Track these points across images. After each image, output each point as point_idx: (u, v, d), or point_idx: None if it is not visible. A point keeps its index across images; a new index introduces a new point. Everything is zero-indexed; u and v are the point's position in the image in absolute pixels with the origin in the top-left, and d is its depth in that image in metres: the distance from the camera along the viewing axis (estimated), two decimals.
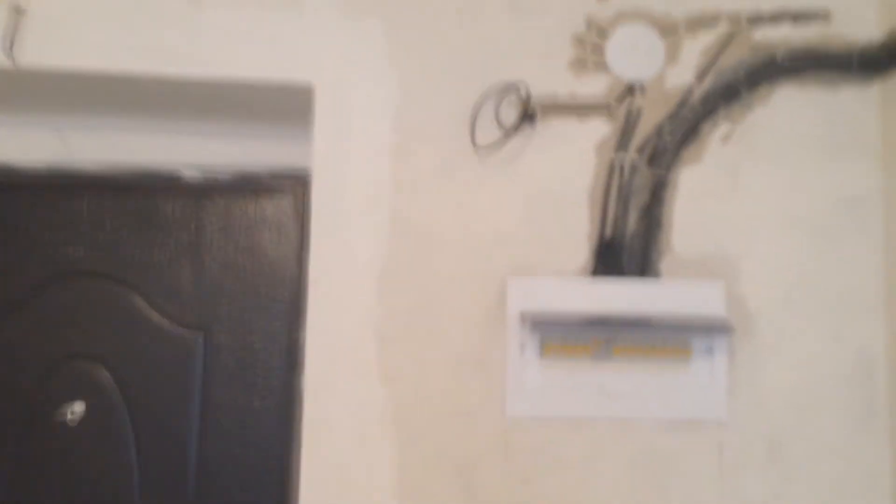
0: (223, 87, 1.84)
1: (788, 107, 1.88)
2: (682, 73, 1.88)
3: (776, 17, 1.89)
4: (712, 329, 1.78)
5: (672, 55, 1.88)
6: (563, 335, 1.79)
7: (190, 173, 2.12)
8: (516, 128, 1.80)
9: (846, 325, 1.84)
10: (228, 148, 2.12)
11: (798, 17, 1.90)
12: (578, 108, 1.85)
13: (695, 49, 1.88)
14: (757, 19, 1.89)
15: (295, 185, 2.15)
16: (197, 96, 1.91)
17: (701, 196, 1.85)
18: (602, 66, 1.86)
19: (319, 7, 1.82)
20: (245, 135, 2.12)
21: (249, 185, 2.16)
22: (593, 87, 1.86)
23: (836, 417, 1.82)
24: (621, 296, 1.81)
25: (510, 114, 1.83)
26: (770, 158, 1.87)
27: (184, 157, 2.12)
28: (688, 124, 1.86)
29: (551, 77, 1.85)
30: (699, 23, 1.89)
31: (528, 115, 1.80)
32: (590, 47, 1.87)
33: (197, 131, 2.10)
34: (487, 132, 1.82)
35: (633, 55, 1.87)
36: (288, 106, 1.90)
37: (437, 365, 1.77)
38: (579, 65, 1.86)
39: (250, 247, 2.15)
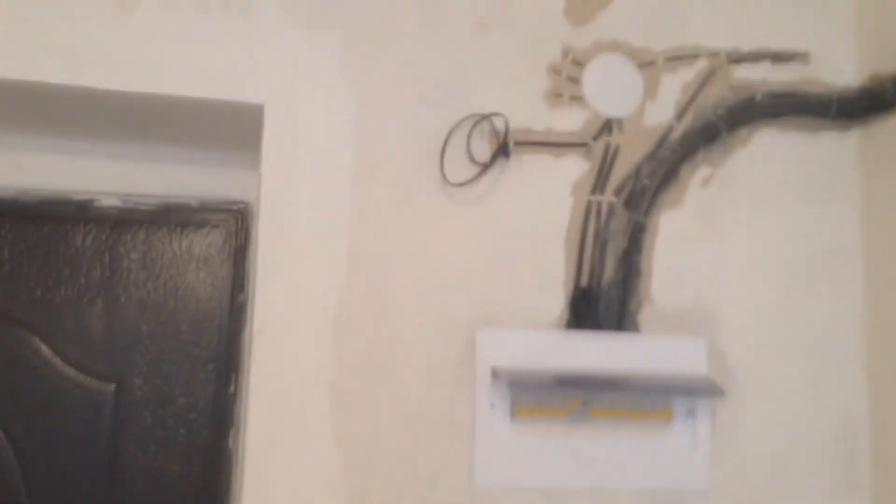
0: (152, 103, 1.60)
1: (768, 150, 1.78)
2: (662, 110, 1.75)
3: (756, 57, 1.80)
4: (698, 391, 1.64)
5: (651, 91, 1.75)
6: (537, 395, 1.61)
7: (107, 201, 1.86)
8: (491, 163, 1.63)
9: (828, 383, 1.73)
10: (154, 174, 1.87)
11: (777, 58, 1.81)
12: (554, 144, 1.70)
13: (674, 85, 1.77)
14: (737, 57, 1.79)
15: (229, 219, 1.91)
16: (120, 113, 1.67)
17: (681, 242, 1.72)
18: (579, 99, 1.72)
19: (270, 16, 1.62)
20: (176, 160, 1.87)
21: (176, 216, 1.90)
22: (570, 121, 1.71)
23: (818, 483, 1.70)
24: (599, 352, 1.65)
25: (482, 146, 1.66)
26: (750, 204, 1.76)
27: (101, 182, 1.85)
28: (667, 165, 1.73)
29: (525, 108, 1.69)
30: (679, 58, 1.77)
31: (504, 150, 1.64)
32: (566, 78, 1.72)
33: (118, 154, 1.84)
34: (457, 164, 1.64)
35: (611, 89, 1.74)
36: (230, 127, 1.67)
37: (396, 424, 1.56)
38: (555, 96, 1.71)
39: (174, 286, 1.89)
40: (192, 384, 1.86)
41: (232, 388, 1.85)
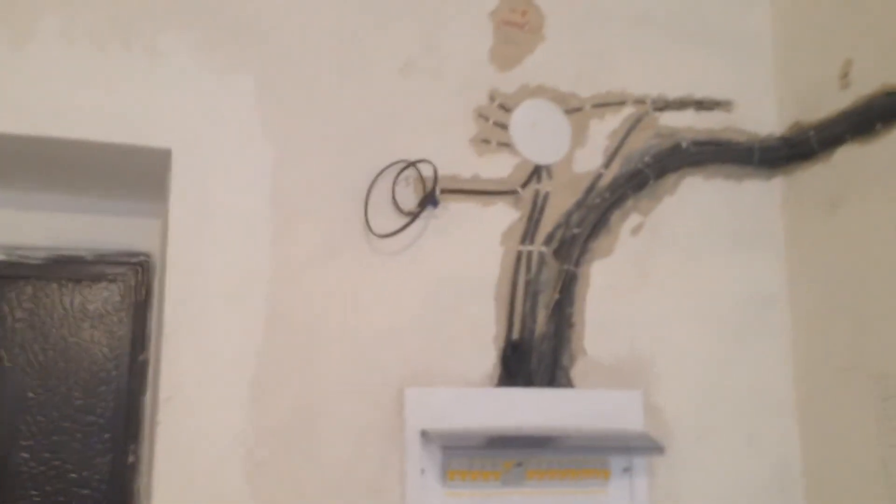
0: (42, 146, 1.44)
1: (695, 198, 1.76)
2: (590, 156, 1.71)
3: (681, 104, 1.79)
4: (636, 447, 1.57)
5: (579, 137, 1.71)
6: (470, 457, 1.51)
7: None
8: (418, 212, 1.54)
9: (763, 432, 1.70)
10: (44, 223, 1.70)
11: (701, 106, 1.80)
12: (483, 192, 1.62)
13: (602, 131, 1.73)
14: (662, 105, 1.77)
15: (128, 272, 1.75)
16: (6, 157, 1.50)
17: (613, 292, 1.67)
18: (507, 145, 1.66)
19: (177, 56, 1.49)
20: (68, 208, 1.71)
21: (68, 270, 1.73)
22: (498, 168, 1.64)
23: None
24: (532, 409, 1.56)
25: (408, 194, 1.57)
26: (680, 252, 1.73)
27: None
28: (597, 213, 1.68)
29: (452, 155, 1.62)
30: (606, 104, 1.74)
31: (431, 198, 1.55)
32: (493, 123, 1.66)
33: (3, 202, 1.66)
34: (382, 214, 1.54)
35: (540, 135, 1.68)
36: (130, 174, 1.54)
37: (320, 495, 1.43)
38: (482, 142, 1.64)
39: (65, 346, 1.72)
40: (85, 456, 1.68)
41: (131, 459, 1.68)
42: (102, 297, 1.76)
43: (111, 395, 1.72)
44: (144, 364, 1.72)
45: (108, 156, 1.49)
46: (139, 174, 1.56)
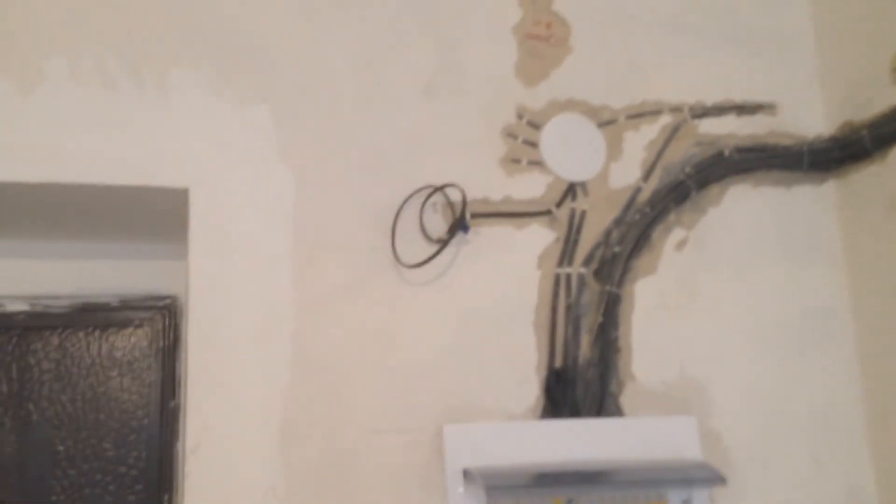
0: (60, 193, 1.40)
1: (742, 208, 1.66)
2: (627, 170, 1.62)
3: (720, 110, 1.69)
4: (695, 479, 1.46)
5: (614, 150, 1.62)
6: (517, 496, 1.41)
7: (12, 306, 1.63)
8: (448, 239, 1.46)
9: (831, 456, 1.58)
10: (67, 271, 1.66)
11: (743, 110, 1.70)
12: (515, 214, 1.54)
13: (638, 143, 1.64)
14: (701, 111, 1.68)
15: (155, 316, 1.70)
16: (23, 206, 1.46)
17: (659, 313, 1.57)
18: (538, 163, 1.58)
19: (190, 90, 1.44)
20: (91, 254, 1.66)
21: (93, 317, 1.68)
22: (530, 188, 1.56)
23: None
24: (581, 441, 1.47)
25: (436, 220, 1.50)
26: (728, 266, 1.63)
27: (5, 285, 1.62)
28: (638, 230, 1.59)
29: (481, 176, 1.54)
30: (640, 114, 1.65)
31: (461, 224, 1.47)
32: (522, 141, 1.58)
33: (24, 251, 1.63)
34: (410, 242, 1.47)
35: (572, 151, 1.60)
36: (151, 215, 1.49)
37: None
38: (512, 162, 1.57)
39: (94, 396, 1.66)
40: None
41: None
42: (130, 343, 1.71)
43: (143, 444, 1.66)
44: (175, 410, 1.66)
45: (125, 199, 1.44)
46: (159, 215, 1.52)
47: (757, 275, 1.64)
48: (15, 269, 1.64)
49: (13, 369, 1.64)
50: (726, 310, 1.60)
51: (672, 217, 1.62)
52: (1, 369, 1.63)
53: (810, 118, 1.73)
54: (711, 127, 1.68)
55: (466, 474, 1.40)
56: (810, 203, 1.69)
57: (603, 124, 1.63)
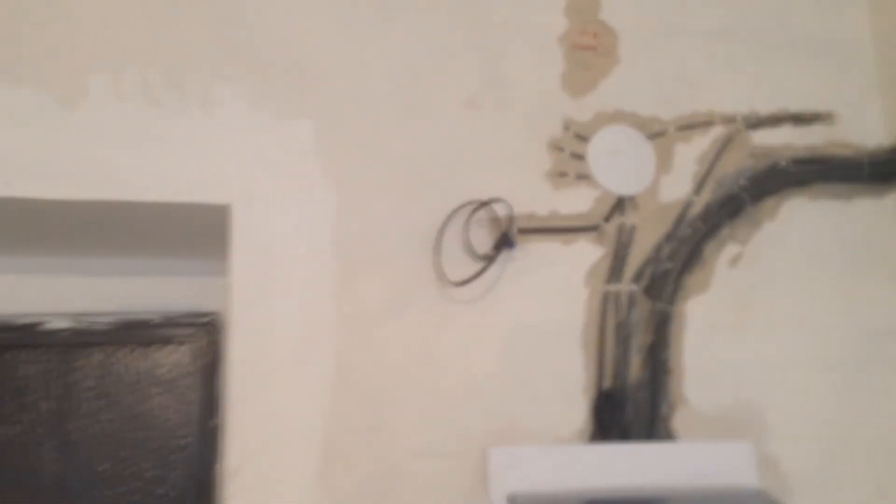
0: (103, 211, 1.39)
1: (799, 222, 1.60)
2: (678, 183, 1.57)
3: (775, 120, 1.63)
4: None
5: (664, 163, 1.57)
6: None
7: (57, 323, 1.63)
8: (494, 255, 1.42)
9: (894, 480, 1.50)
10: (110, 288, 1.65)
11: (799, 120, 1.64)
12: (562, 230, 1.50)
13: (689, 156, 1.58)
14: (755, 122, 1.62)
15: (197, 333, 1.69)
16: (67, 224, 1.46)
17: (713, 332, 1.51)
18: (585, 177, 1.53)
19: (233, 106, 1.42)
20: (133, 271, 1.66)
21: (136, 334, 1.68)
22: (577, 202, 1.52)
23: None
24: (631, 466, 1.41)
25: (482, 236, 1.46)
26: (785, 284, 1.56)
27: (49, 302, 1.62)
28: (689, 245, 1.53)
29: (527, 191, 1.50)
30: (691, 126, 1.60)
31: (507, 240, 1.43)
32: (569, 154, 1.54)
33: (68, 269, 1.62)
34: (455, 259, 1.43)
35: (621, 164, 1.55)
36: (193, 232, 1.47)
37: None
38: (559, 175, 1.52)
39: (135, 415, 1.65)
40: None
41: None
42: (172, 360, 1.70)
43: (182, 464, 1.65)
44: (216, 430, 1.64)
45: (167, 215, 1.43)
46: (201, 231, 1.50)
47: (815, 292, 1.57)
48: (58, 286, 1.64)
49: (57, 387, 1.64)
50: (783, 329, 1.54)
51: (725, 232, 1.56)
52: (43, 387, 1.63)
53: (869, 128, 1.66)
54: (766, 138, 1.62)
55: (511, 499, 1.35)
56: (871, 216, 1.62)
57: (652, 136, 1.58)
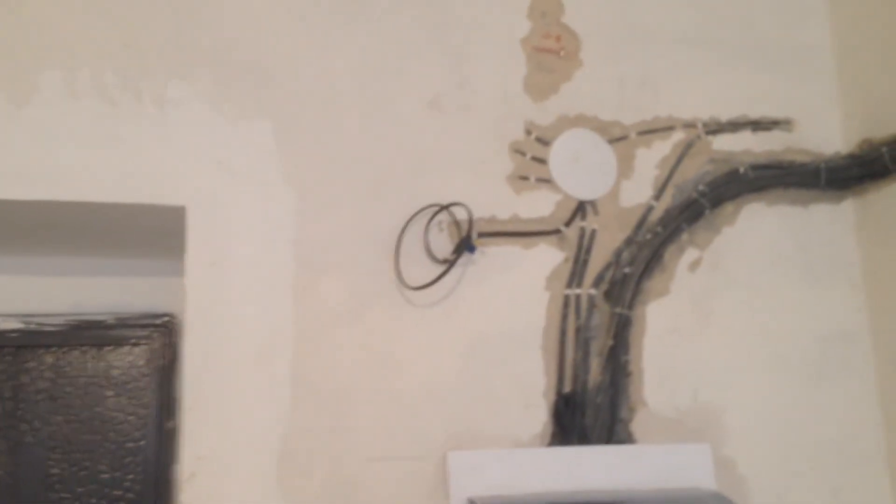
0: (53, 211, 1.36)
1: (758, 227, 1.61)
2: (639, 188, 1.57)
3: (735, 126, 1.64)
4: None
5: (625, 168, 1.57)
6: None
7: (5, 324, 1.59)
8: (454, 259, 1.41)
9: (849, 486, 1.52)
10: (62, 289, 1.61)
11: (758, 126, 1.65)
12: (523, 234, 1.49)
13: (650, 160, 1.59)
14: (715, 128, 1.63)
15: (153, 334, 1.66)
16: (16, 222, 1.42)
17: (672, 336, 1.52)
18: (546, 181, 1.53)
19: (188, 104, 1.40)
20: (86, 271, 1.62)
21: (89, 336, 1.64)
22: (538, 206, 1.52)
23: None
24: (591, 469, 1.42)
25: (442, 240, 1.45)
26: (743, 288, 1.58)
27: None
28: (649, 250, 1.54)
29: (488, 194, 1.49)
30: (652, 131, 1.60)
31: (467, 244, 1.42)
32: (531, 158, 1.53)
33: (17, 269, 1.58)
34: (415, 263, 1.42)
35: (582, 168, 1.55)
36: (148, 233, 1.45)
37: None
38: (520, 179, 1.52)
39: (89, 417, 1.62)
40: None
41: None
42: (126, 361, 1.66)
43: (139, 466, 1.62)
44: (173, 432, 1.62)
45: (120, 216, 1.40)
46: (157, 232, 1.47)
47: (773, 297, 1.59)
48: (8, 286, 1.60)
49: (6, 389, 1.60)
50: (741, 333, 1.55)
51: (685, 237, 1.57)
52: None
53: (828, 135, 1.68)
54: (726, 143, 1.63)
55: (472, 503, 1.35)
56: (828, 222, 1.64)
57: (614, 141, 1.58)
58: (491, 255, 1.47)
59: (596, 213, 1.54)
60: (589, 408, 1.46)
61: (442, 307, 1.43)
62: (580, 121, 1.57)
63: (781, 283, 1.59)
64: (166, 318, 1.67)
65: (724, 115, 1.64)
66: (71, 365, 1.64)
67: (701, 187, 1.59)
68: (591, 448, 1.44)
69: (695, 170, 1.60)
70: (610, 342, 1.49)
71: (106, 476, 1.60)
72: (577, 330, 1.48)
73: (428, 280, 1.40)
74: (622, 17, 1.64)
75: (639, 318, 1.52)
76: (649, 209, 1.56)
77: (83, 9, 1.39)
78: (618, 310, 1.50)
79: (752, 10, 1.72)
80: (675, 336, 1.52)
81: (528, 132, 1.54)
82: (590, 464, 1.43)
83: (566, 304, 1.49)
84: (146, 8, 1.41)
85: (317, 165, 1.44)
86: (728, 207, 1.61)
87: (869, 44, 1.65)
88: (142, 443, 1.63)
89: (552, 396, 1.45)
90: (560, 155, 1.55)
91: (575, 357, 1.47)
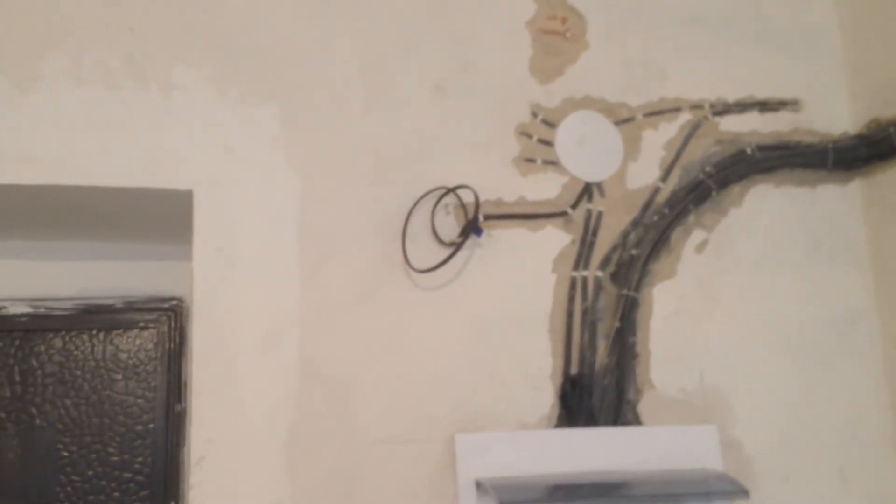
0: (62, 194, 1.36)
1: (765, 208, 1.61)
2: (645, 169, 1.57)
3: (742, 107, 1.64)
4: (715, 491, 1.41)
5: (632, 149, 1.57)
6: None
7: (14, 308, 1.59)
8: (461, 242, 1.41)
9: (856, 466, 1.53)
10: (70, 273, 1.62)
11: (766, 107, 1.65)
12: (530, 216, 1.49)
13: (656, 142, 1.59)
14: (722, 109, 1.62)
15: (160, 318, 1.66)
16: (24, 207, 1.42)
17: (678, 318, 1.52)
18: (553, 163, 1.53)
19: (194, 89, 1.40)
20: (94, 255, 1.62)
21: (97, 320, 1.65)
22: (545, 188, 1.51)
23: None
24: (597, 451, 1.42)
25: (448, 223, 1.45)
26: (750, 269, 1.58)
27: (6, 287, 1.59)
28: (656, 231, 1.54)
29: (495, 177, 1.49)
30: (659, 112, 1.60)
31: (473, 226, 1.42)
32: (537, 140, 1.53)
33: (26, 253, 1.59)
34: (421, 246, 1.42)
35: (588, 150, 1.55)
36: (155, 217, 1.45)
37: None
38: (526, 162, 1.52)
39: (98, 400, 1.63)
40: None
41: None
42: (135, 345, 1.67)
43: (148, 449, 1.63)
44: (182, 414, 1.63)
45: (128, 200, 1.40)
46: (164, 217, 1.48)
47: (780, 278, 1.58)
48: (16, 270, 1.61)
49: (16, 373, 1.61)
50: (748, 315, 1.55)
51: (692, 218, 1.57)
52: (3, 373, 1.60)
53: (836, 115, 1.67)
54: (733, 125, 1.62)
55: (479, 485, 1.36)
56: (835, 203, 1.64)
57: (620, 122, 1.58)
58: (497, 237, 1.47)
59: (602, 195, 1.54)
60: (596, 389, 1.46)
61: (449, 290, 1.43)
62: (586, 103, 1.57)
63: (788, 264, 1.59)
64: (174, 302, 1.68)
65: (731, 96, 1.63)
66: (79, 349, 1.64)
67: (708, 168, 1.59)
68: (598, 430, 1.45)
69: (701, 151, 1.60)
70: (617, 324, 1.49)
71: (115, 458, 1.61)
72: (584, 312, 1.48)
73: (435, 263, 1.40)
74: None
75: (646, 300, 1.52)
76: (656, 191, 1.56)
77: None
78: (624, 292, 1.50)
79: None
80: (682, 318, 1.52)
81: (535, 115, 1.54)
82: (597, 445, 1.44)
83: (573, 287, 1.49)
84: None
85: (323, 149, 1.43)
86: (735, 189, 1.60)
87: (876, 23, 1.64)
88: (151, 426, 1.64)
89: (559, 378, 1.45)
90: (566, 137, 1.55)
91: (582, 339, 1.48)
